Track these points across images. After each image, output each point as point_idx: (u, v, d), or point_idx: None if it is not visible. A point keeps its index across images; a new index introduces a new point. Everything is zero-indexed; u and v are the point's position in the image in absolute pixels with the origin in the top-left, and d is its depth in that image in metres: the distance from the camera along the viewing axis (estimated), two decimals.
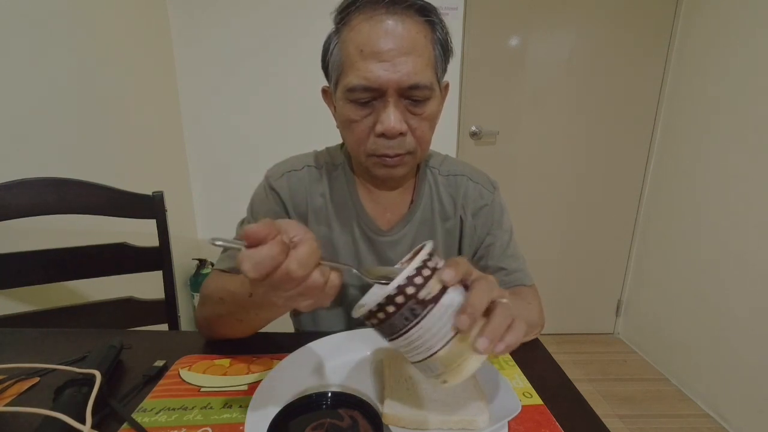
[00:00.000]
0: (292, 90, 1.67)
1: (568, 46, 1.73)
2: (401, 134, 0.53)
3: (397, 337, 0.33)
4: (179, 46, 1.61)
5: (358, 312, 0.34)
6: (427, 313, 0.32)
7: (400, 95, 0.51)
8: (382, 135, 0.52)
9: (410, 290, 0.31)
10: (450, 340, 0.33)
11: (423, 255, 0.33)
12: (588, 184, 1.89)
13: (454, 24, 1.65)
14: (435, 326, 0.32)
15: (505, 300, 0.35)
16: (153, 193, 0.88)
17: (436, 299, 0.32)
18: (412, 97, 0.51)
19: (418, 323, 0.32)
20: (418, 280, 0.32)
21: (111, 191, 0.85)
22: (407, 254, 0.41)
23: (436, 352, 0.33)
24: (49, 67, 1.03)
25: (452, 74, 1.69)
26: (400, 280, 0.31)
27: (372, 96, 0.51)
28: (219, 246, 0.31)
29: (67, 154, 1.09)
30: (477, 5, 1.65)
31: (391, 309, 0.32)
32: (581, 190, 1.90)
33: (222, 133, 1.72)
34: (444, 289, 0.33)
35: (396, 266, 0.41)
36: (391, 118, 0.51)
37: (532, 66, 1.75)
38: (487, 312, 0.34)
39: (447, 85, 0.60)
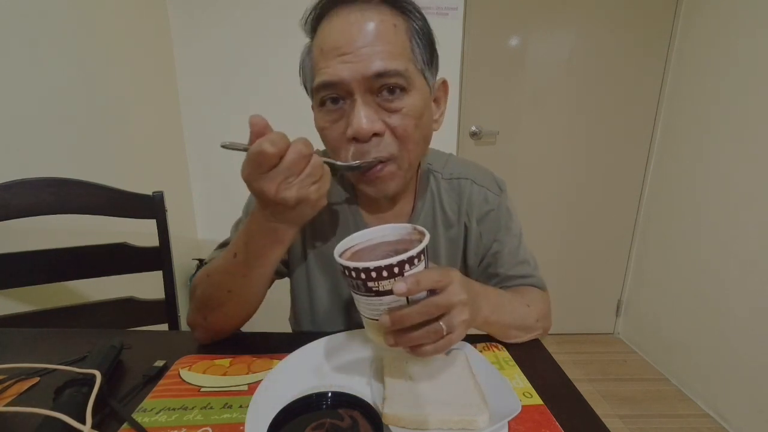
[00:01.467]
0: (293, 90, 1.65)
1: (568, 46, 1.73)
2: (376, 135, 0.47)
3: (350, 290, 0.41)
4: (179, 46, 1.61)
5: (335, 251, 0.41)
6: (366, 296, 0.39)
7: (368, 91, 0.46)
8: (354, 139, 0.47)
9: (363, 275, 0.37)
10: (377, 319, 0.39)
11: (401, 257, 0.36)
12: (588, 184, 1.89)
13: (454, 24, 1.65)
14: (370, 306, 0.39)
15: (443, 324, 0.39)
16: (153, 193, 0.88)
17: (379, 294, 0.38)
18: (384, 85, 0.46)
19: (356, 296, 0.40)
20: (374, 274, 0.36)
21: (111, 191, 0.85)
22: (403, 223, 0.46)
23: (364, 317, 0.42)
24: (49, 67, 1.03)
25: (452, 74, 1.69)
26: (362, 265, 0.36)
27: (337, 94, 0.47)
28: (227, 148, 0.37)
29: (67, 154, 1.09)
30: (477, 5, 1.65)
31: (347, 273, 0.38)
32: (581, 190, 1.90)
33: (222, 134, 1.70)
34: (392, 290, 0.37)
35: (386, 226, 0.46)
36: (361, 116, 0.46)
37: (532, 66, 1.75)
38: (438, 318, 0.39)
39: (444, 83, 0.56)
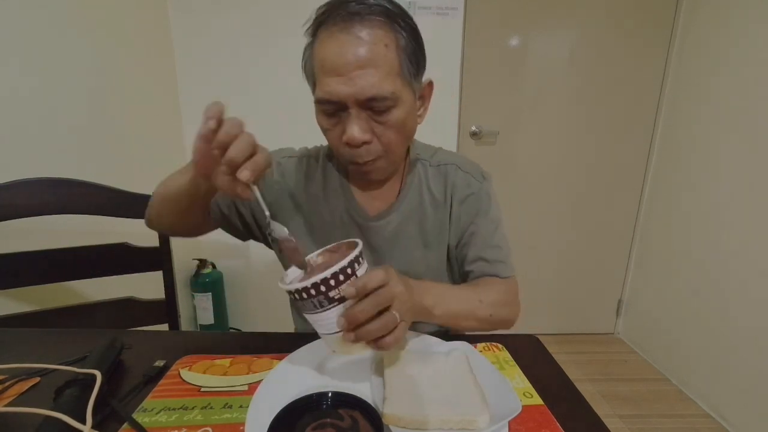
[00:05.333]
0: (293, 89, 1.65)
1: (569, 46, 1.73)
2: (366, 143, 0.55)
3: (307, 314, 0.43)
4: (179, 46, 1.61)
5: (281, 285, 0.42)
6: (331, 307, 0.40)
7: (361, 107, 0.53)
8: (347, 144, 0.55)
9: (323, 288, 0.39)
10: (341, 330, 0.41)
11: (347, 260, 0.39)
12: (588, 183, 1.89)
13: (454, 24, 1.64)
14: (333, 318, 0.41)
15: (395, 312, 0.42)
16: (153, 193, 0.88)
17: (341, 300, 0.40)
18: (373, 108, 0.53)
19: (322, 313, 0.41)
20: (333, 282, 0.39)
21: (111, 191, 0.85)
22: (334, 245, 0.49)
23: (330, 334, 0.42)
24: (49, 67, 1.03)
25: (452, 74, 1.69)
26: (318, 278, 0.38)
27: (336, 108, 0.54)
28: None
29: (67, 154, 1.09)
30: (477, 5, 1.65)
31: (305, 296, 0.40)
32: (581, 189, 1.90)
33: None
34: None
35: (314, 255, 0.49)
36: (354, 128, 0.53)
37: (533, 66, 1.75)
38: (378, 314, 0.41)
39: (430, 83, 0.61)
